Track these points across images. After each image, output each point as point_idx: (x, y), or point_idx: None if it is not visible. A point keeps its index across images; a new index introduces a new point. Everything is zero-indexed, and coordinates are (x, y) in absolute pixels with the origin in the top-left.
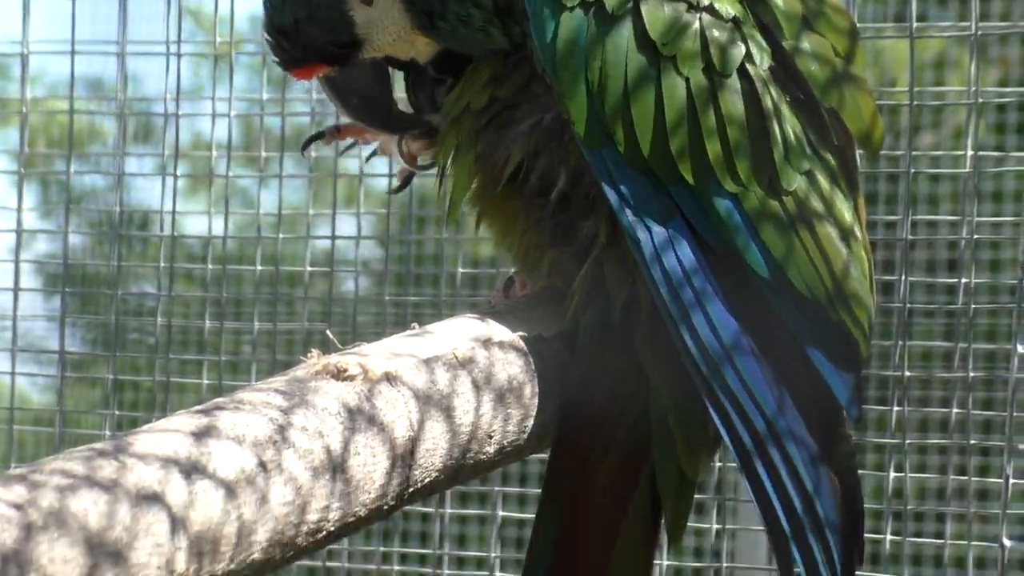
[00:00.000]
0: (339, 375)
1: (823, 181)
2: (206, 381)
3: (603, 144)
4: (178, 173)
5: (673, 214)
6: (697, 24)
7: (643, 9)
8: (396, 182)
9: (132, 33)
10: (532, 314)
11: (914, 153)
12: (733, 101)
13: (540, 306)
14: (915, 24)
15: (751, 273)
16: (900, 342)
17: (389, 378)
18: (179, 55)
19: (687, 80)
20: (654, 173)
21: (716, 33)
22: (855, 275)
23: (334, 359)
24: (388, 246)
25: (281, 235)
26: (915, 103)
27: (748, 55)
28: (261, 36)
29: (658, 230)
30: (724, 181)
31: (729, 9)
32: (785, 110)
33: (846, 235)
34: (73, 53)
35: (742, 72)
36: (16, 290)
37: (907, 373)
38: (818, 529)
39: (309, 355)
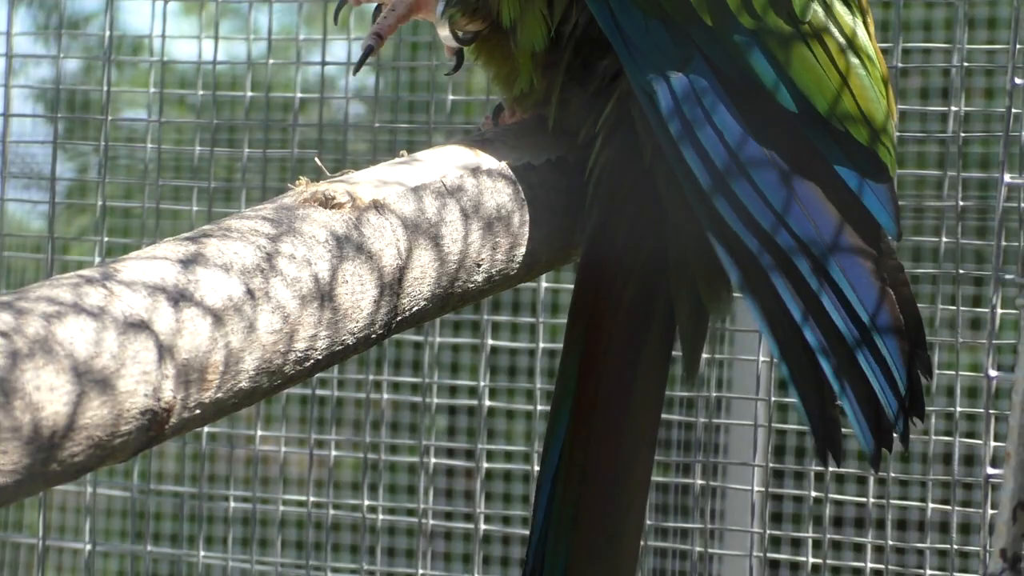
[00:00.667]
0: (327, 203)
1: (838, 5)
2: (196, 208)
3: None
4: None
5: (692, 56)
6: None
7: None
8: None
9: None
10: (521, 142)
11: None
12: None
13: (530, 134)
14: None
15: (779, 107)
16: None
17: (377, 206)
18: None
19: None
20: (671, 17)
21: None
22: (876, 98)
23: (322, 187)
24: (379, 73)
25: (271, 61)
26: None
27: None
28: None
29: (677, 76)
30: (742, 18)
31: None
32: None
33: (864, 59)
34: None
35: None
36: (6, 116)
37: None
38: (875, 347)
39: (297, 183)
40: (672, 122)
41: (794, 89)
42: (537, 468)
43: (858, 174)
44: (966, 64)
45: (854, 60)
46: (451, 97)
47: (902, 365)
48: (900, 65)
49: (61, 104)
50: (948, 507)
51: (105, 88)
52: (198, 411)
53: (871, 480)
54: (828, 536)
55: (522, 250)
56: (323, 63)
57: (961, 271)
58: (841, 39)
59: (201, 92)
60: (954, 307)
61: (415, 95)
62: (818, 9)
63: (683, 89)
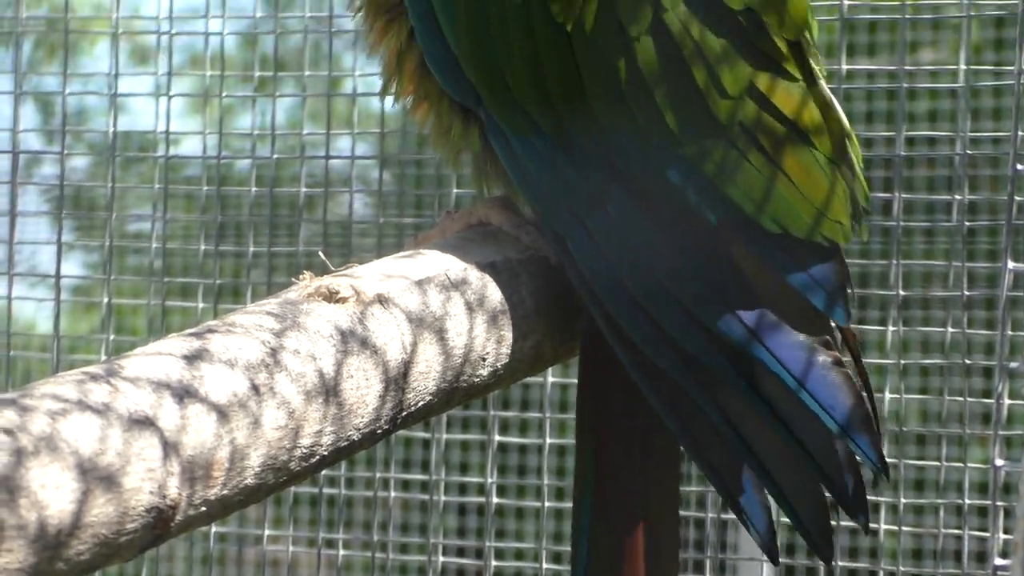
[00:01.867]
0: (331, 297)
1: (781, 85)
2: (202, 305)
3: (531, 133)
4: (173, 93)
5: (606, 189)
6: None
7: None
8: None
9: None
10: (522, 232)
11: (910, 68)
12: (653, 63)
13: (531, 226)
14: None
15: (704, 220)
16: (895, 261)
17: (382, 300)
18: None
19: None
20: (580, 145)
21: None
22: (820, 176)
23: (326, 281)
24: (383, 166)
25: (276, 156)
26: (909, 17)
27: (657, 2)
28: None
29: (591, 218)
30: (665, 147)
31: None
32: (708, 39)
33: (811, 134)
34: None
35: (656, 24)
36: (12, 215)
37: (900, 292)
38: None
39: (301, 277)
40: (586, 269)
41: (720, 200)
42: (546, 566)
43: (794, 264)
44: (969, 152)
45: (795, 147)
46: (456, 190)
47: (836, 459)
48: (904, 154)
49: (68, 202)
50: None
51: (110, 185)
52: (204, 508)
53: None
54: None
55: (527, 343)
56: (327, 157)
57: (968, 361)
58: (780, 128)
59: (206, 188)
60: (963, 399)
61: (422, 190)
62: (748, 105)
63: (599, 231)
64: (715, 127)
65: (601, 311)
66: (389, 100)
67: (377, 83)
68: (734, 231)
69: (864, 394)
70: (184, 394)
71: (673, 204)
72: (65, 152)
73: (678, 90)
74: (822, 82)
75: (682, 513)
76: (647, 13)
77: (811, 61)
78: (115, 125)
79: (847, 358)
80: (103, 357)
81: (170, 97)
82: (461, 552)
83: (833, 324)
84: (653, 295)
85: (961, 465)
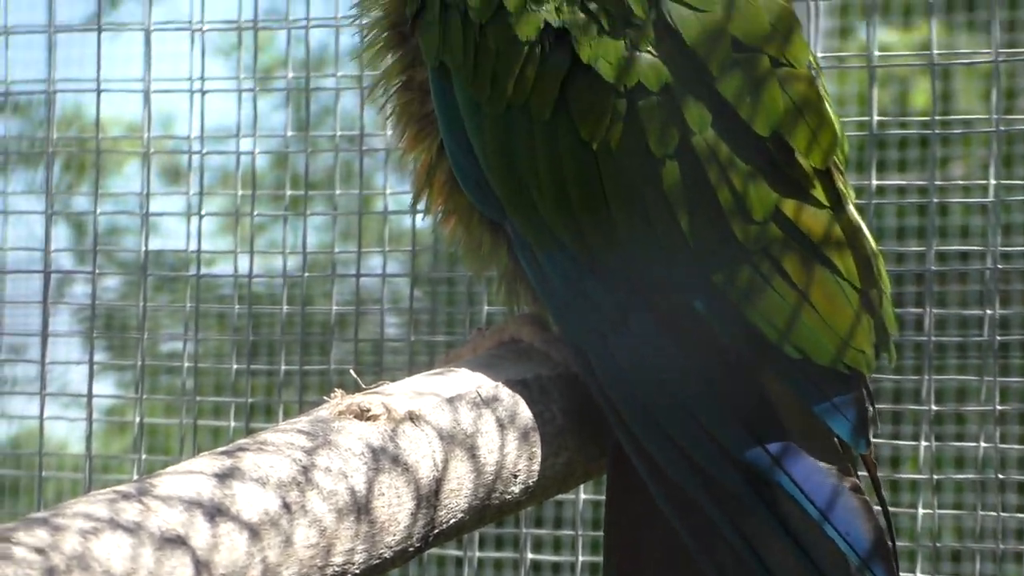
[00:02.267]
0: (362, 415)
1: (807, 210)
2: (234, 424)
3: (556, 248)
4: (204, 212)
5: (630, 307)
6: (628, 109)
7: (570, 104)
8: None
9: (157, 71)
10: (553, 349)
11: (941, 183)
12: (679, 186)
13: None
14: (937, 52)
15: (727, 345)
16: (927, 377)
17: (412, 417)
18: (203, 92)
19: (628, 174)
20: (605, 265)
21: (650, 115)
22: (845, 302)
23: (357, 399)
24: (414, 284)
25: (307, 274)
26: (938, 132)
27: (684, 126)
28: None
29: (613, 335)
30: (690, 268)
31: (658, 75)
32: (735, 163)
33: (835, 256)
34: (99, 92)
35: (682, 148)
36: (44, 335)
37: (933, 408)
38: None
39: (332, 395)
40: (607, 385)
41: (743, 325)
42: None
43: (816, 391)
44: (1001, 267)
45: (819, 274)
46: (487, 308)
47: None
48: (935, 268)
49: (100, 321)
50: None
51: (141, 304)
52: None
53: None
54: None
55: (559, 460)
56: (358, 275)
57: (1002, 476)
58: (805, 254)
59: (238, 307)
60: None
61: (453, 308)
62: (773, 231)
63: (620, 348)
64: (739, 251)
65: (622, 427)
66: (420, 218)
67: (408, 201)
68: (756, 356)
69: (882, 516)
70: (216, 512)
71: (695, 326)
72: (97, 272)
73: (703, 213)
74: (851, 206)
75: None
76: (674, 135)
77: (840, 184)
78: (147, 244)
79: (863, 472)
80: (135, 477)
81: (201, 216)
82: None
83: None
84: (673, 414)
85: None
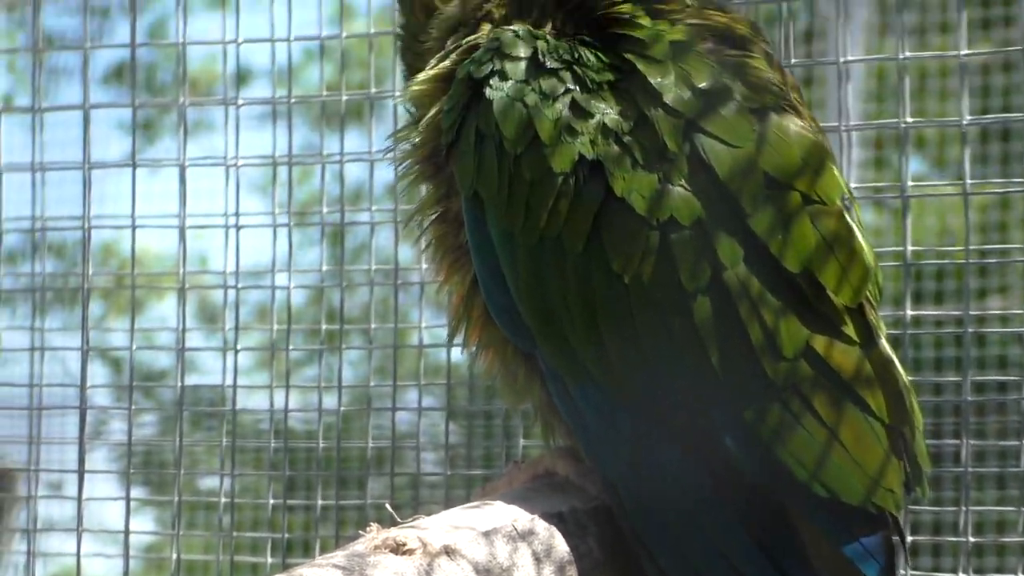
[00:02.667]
0: (398, 549)
1: (838, 348)
2: (271, 560)
3: (586, 380)
4: (240, 347)
5: (660, 441)
6: (660, 243)
7: (602, 237)
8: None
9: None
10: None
11: (977, 313)
12: (709, 321)
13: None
14: (970, 181)
15: (755, 485)
16: (964, 508)
17: (448, 551)
18: (238, 227)
19: (659, 308)
20: (639, 403)
21: (682, 249)
22: (874, 441)
23: (393, 533)
24: (449, 419)
25: (342, 408)
26: (973, 261)
27: (716, 260)
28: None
29: (644, 467)
30: (719, 405)
31: (690, 209)
32: (766, 299)
33: (866, 393)
34: (134, 228)
35: (713, 283)
36: (81, 472)
37: (971, 539)
38: None
39: (368, 529)
40: (636, 517)
41: (771, 462)
42: None
43: (845, 531)
44: None
45: (849, 413)
46: (523, 441)
47: None
48: (971, 399)
49: (137, 458)
50: None
51: (177, 441)
52: None
53: None
54: None
55: None
56: (393, 408)
57: None
58: (835, 393)
59: (274, 442)
60: None
61: (489, 442)
62: (803, 368)
63: (650, 481)
64: (769, 388)
65: (651, 561)
66: (456, 351)
67: (443, 335)
68: (785, 494)
69: None
70: None
71: (724, 462)
72: (133, 408)
73: (733, 349)
74: (883, 339)
75: None
76: (706, 270)
77: (872, 318)
78: (183, 380)
79: None
80: None
81: (237, 351)
82: None
83: None
84: (702, 550)
85: None
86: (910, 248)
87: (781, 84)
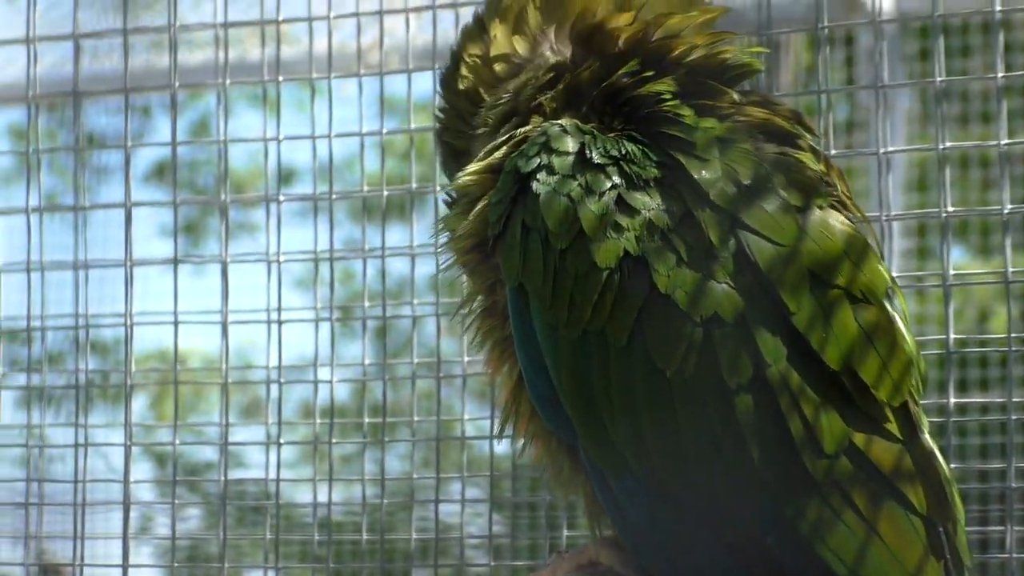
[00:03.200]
0: None
1: (877, 443)
2: None
3: (626, 473)
4: (284, 442)
5: (702, 538)
6: (703, 339)
7: (646, 332)
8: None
9: (235, 303)
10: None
11: (1018, 400)
12: (751, 417)
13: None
14: (1012, 269)
15: None
16: None
17: None
18: (280, 322)
19: (701, 403)
20: (683, 502)
21: (725, 346)
22: (912, 539)
23: None
24: (493, 510)
25: (386, 501)
26: (1015, 349)
27: (759, 357)
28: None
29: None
30: (760, 499)
31: (733, 306)
32: (807, 395)
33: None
34: (176, 324)
35: (755, 380)
36: (125, 567)
37: None
38: None
39: None
40: None
41: (811, 558)
42: None
43: None
44: None
45: (890, 509)
46: (567, 532)
47: None
48: (1015, 486)
49: (182, 553)
50: None
51: (222, 535)
52: None
53: None
54: None
55: None
56: (437, 500)
57: None
58: (875, 489)
59: (318, 536)
60: None
61: (534, 533)
62: (844, 464)
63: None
64: (809, 483)
65: None
66: (498, 443)
67: (486, 427)
68: None
69: None
70: None
71: (763, 557)
72: (177, 503)
73: (774, 445)
74: (925, 432)
75: None
76: (748, 366)
77: (914, 409)
78: (226, 475)
79: None
80: None
81: (280, 446)
82: None
83: None
84: None
85: None
86: (953, 336)
87: (826, 178)
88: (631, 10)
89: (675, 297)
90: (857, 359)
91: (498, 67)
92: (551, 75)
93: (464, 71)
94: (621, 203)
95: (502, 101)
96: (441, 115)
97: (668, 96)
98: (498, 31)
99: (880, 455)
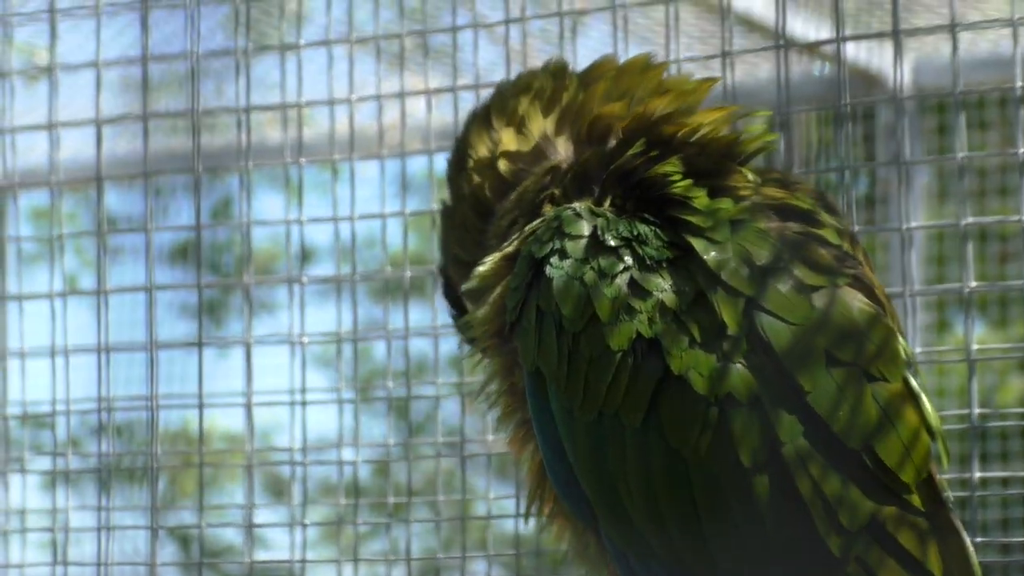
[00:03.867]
0: None
1: (883, 522)
2: None
3: (647, 555)
4: (308, 522)
5: None
6: (718, 420)
7: (661, 413)
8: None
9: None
10: None
11: None
12: (769, 496)
13: None
14: None
15: None
16: None
17: None
18: (304, 403)
19: (718, 484)
20: None
21: (740, 426)
22: None
23: None
24: None
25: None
26: None
27: (774, 436)
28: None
29: None
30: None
31: (747, 386)
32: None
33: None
34: (201, 406)
35: (772, 459)
36: None
37: None
38: None
39: None
40: None
41: None
42: None
43: None
44: None
45: None
46: None
47: None
48: None
49: None
50: None
51: None
52: None
53: None
54: None
55: None
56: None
57: None
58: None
59: None
60: None
61: None
62: (866, 540)
63: None
64: (831, 562)
65: None
66: (522, 521)
67: (510, 506)
68: None
69: None
70: None
71: None
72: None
73: (795, 524)
74: (948, 507)
75: None
76: (763, 445)
77: (938, 484)
78: (251, 556)
79: None
80: None
81: (305, 526)
82: None
83: None
84: None
85: None
86: (976, 411)
87: (848, 256)
88: (622, 99)
89: (688, 378)
90: (877, 440)
91: (504, 169)
92: (555, 172)
93: (471, 171)
94: (634, 285)
95: (509, 212)
96: (443, 215)
97: (677, 177)
98: (504, 134)
99: (903, 532)
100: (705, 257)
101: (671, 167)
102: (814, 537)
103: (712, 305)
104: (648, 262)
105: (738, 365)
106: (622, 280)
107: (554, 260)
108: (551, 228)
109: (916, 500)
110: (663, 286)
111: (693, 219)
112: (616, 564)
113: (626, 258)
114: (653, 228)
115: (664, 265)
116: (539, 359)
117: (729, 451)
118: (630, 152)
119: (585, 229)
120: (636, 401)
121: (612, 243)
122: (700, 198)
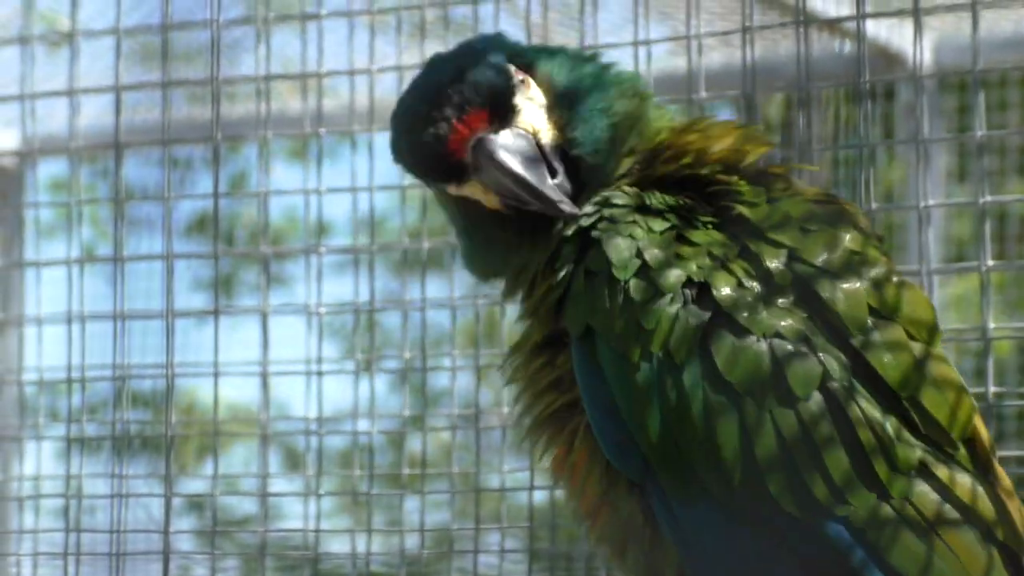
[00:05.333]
0: None
1: (940, 469)
2: None
3: (700, 499)
4: (322, 493)
5: (773, 554)
6: (769, 353)
7: (713, 349)
8: None
9: (274, 354)
10: None
11: None
12: (822, 424)
13: None
14: None
15: None
16: None
17: None
18: (319, 373)
19: (771, 413)
20: (746, 515)
21: (791, 359)
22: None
23: None
24: (531, 561)
25: (425, 551)
26: None
27: (825, 371)
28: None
29: None
30: (833, 507)
31: (796, 325)
32: (875, 413)
33: (970, 521)
34: (216, 375)
35: (823, 390)
36: None
37: None
38: None
39: None
40: None
41: (885, 568)
42: None
43: None
44: None
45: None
46: None
47: None
48: None
49: None
50: None
51: None
52: None
53: None
54: None
55: None
56: (475, 551)
57: None
58: (949, 501)
59: None
60: None
61: None
62: (916, 481)
63: None
64: (883, 495)
65: None
66: (537, 494)
67: (524, 478)
68: None
69: None
70: None
71: (840, 570)
72: (216, 553)
73: (846, 451)
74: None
75: None
76: (814, 378)
77: (980, 448)
78: (266, 525)
79: None
80: None
81: (319, 496)
82: None
83: None
84: None
85: None
86: (992, 389)
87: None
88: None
89: (738, 316)
90: (921, 391)
91: None
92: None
93: None
94: (681, 238)
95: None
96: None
97: (718, 169)
98: None
99: (952, 477)
100: (749, 215)
101: (709, 169)
102: (866, 467)
103: (757, 255)
104: (693, 221)
105: (786, 305)
106: (669, 235)
107: (601, 225)
108: (596, 203)
109: (963, 456)
110: (708, 240)
111: (734, 191)
112: (661, 517)
113: (672, 218)
114: (696, 200)
115: (708, 224)
116: (591, 317)
117: (780, 383)
118: (682, 161)
119: (630, 199)
120: (688, 339)
121: (658, 207)
122: (744, 185)
